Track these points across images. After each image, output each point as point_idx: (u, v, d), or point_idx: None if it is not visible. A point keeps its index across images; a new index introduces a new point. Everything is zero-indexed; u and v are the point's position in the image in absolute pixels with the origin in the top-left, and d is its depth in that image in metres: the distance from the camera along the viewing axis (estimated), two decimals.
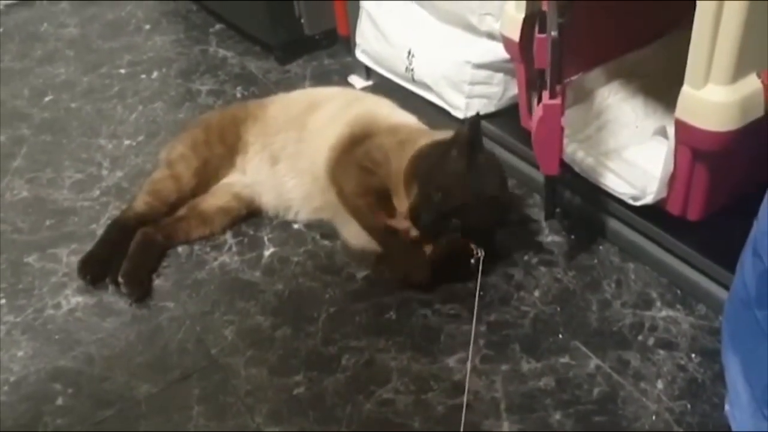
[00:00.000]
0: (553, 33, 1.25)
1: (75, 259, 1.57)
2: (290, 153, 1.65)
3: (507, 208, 1.47)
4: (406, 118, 1.69)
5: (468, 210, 1.39)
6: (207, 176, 1.68)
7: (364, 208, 1.50)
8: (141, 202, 1.63)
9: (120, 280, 1.50)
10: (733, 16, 1.13)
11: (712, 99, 1.20)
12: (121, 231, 1.59)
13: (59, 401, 1.32)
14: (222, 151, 1.70)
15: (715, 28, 1.15)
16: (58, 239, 1.67)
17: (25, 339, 1.44)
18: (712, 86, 1.19)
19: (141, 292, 1.51)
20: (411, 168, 1.45)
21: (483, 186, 1.39)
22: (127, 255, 1.53)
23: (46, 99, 2.21)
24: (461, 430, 1.20)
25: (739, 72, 1.18)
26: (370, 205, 1.50)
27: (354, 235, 1.55)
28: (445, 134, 1.49)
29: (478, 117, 1.45)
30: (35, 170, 1.90)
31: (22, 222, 1.73)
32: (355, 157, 1.53)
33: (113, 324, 1.46)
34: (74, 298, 1.52)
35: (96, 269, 1.54)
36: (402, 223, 1.47)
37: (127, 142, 1.98)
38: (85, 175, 1.87)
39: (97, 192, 1.81)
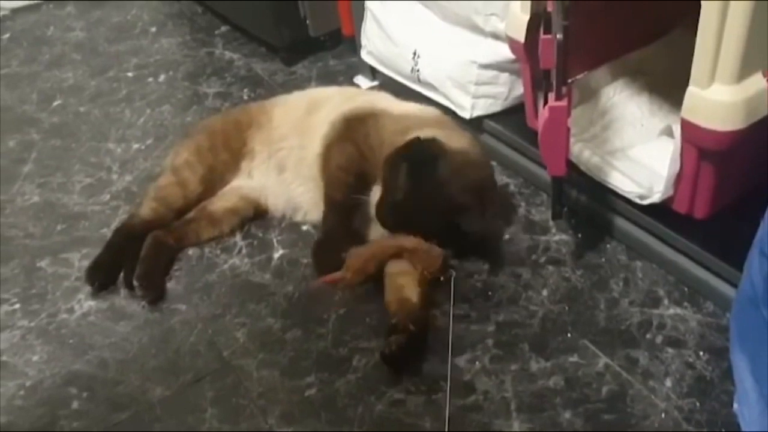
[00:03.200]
0: (558, 36, 1.26)
1: (87, 264, 1.59)
2: (295, 161, 1.67)
3: (471, 217, 1.45)
4: (408, 108, 1.70)
5: (421, 219, 1.42)
6: (213, 182, 1.70)
7: (341, 182, 1.54)
8: (147, 209, 1.64)
9: (135, 283, 1.51)
10: (739, 16, 1.13)
11: (717, 99, 1.20)
12: (127, 237, 1.60)
13: (75, 405, 1.34)
14: (227, 157, 1.71)
15: (721, 28, 1.16)
16: (69, 244, 1.69)
17: (40, 343, 1.46)
18: (718, 86, 1.20)
19: (156, 294, 1.52)
20: (383, 167, 1.48)
21: (432, 200, 1.42)
22: (140, 258, 1.54)
23: (55, 103, 2.22)
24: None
25: (744, 71, 1.19)
26: (348, 183, 1.53)
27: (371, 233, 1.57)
28: (445, 128, 1.53)
29: (417, 139, 1.46)
30: (45, 175, 1.92)
31: (33, 227, 1.75)
32: (354, 137, 1.56)
33: (126, 328, 1.48)
34: (87, 303, 1.54)
35: (103, 276, 1.56)
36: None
37: (135, 146, 2.00)
38: (95, 179, 1.89)
39: (108, 196, 1.82)
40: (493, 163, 1.77)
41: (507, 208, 1.67)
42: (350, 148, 1.56)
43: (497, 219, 1.59)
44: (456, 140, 1.53)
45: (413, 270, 1.45)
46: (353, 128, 1.59)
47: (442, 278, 1.45)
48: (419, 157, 1.44)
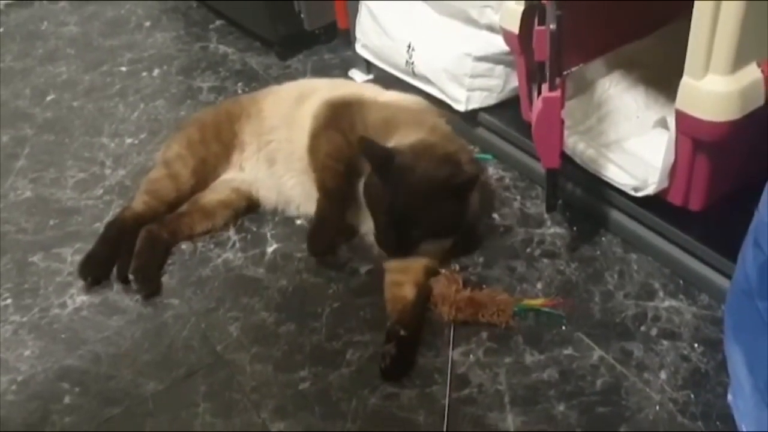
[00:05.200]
0: (552, 26, 1.25)
1: (79, 258, 1.58)
2: (284, 154, 1.67)
3: (452, 189, 1.42)
4: (391, 96, 1.70)
5: (412, 214, 1.40)
6: (205, 174, 1.69)
7: (332, 170, 1.53)
8: (140, 202, 1.64)
9: (131, 277, 1.51)
10: (732, 6, 1.13)
11: (712, 89, 1.20)
12: (119, 231, 1.59)
13: (67, 400, 1.33)
14: (218, 149, 1.70)
15: (715, 19, 1.15)
16: (62, 239, 1.68)
17: (32, 338, 1.45)
18: (712, 76, 1.20)
19: (151, 287, 1.52)
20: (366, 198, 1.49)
21: (409, 187, 1.40)
22: (135, 253, 1.54)
23: (48, 98, 2.21)
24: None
25: (738, 62, 1.18)
26: (338, 170, 1.53)
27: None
28: (424, 115, 1.57)
29: (366, 140, 1.44)
30: (38, 170, 1.91)
31: (26, 222, 1.74)
32: (340, 125, 1.56)
33: (118, 322, 1.47)
34: (79, 297, 1.53)
35: (96, 270, 1.55)
36: None
37: (129, 141, 1.99)
38: (88, 174, 1.88)
39: (101, 191, 1.81)
40: (489, 157, 1.77)
41: (501, 201, 1.67)
42: (337, 136, 1.56)
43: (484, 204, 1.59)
44: (418, 131, 1.53)
45: (412, 265, 1.44)
46: (339, 116, 1.59)
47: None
48: (377, 154, 1.43)
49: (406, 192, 1.40)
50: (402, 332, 1.33)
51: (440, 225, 1.44)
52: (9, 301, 1.54)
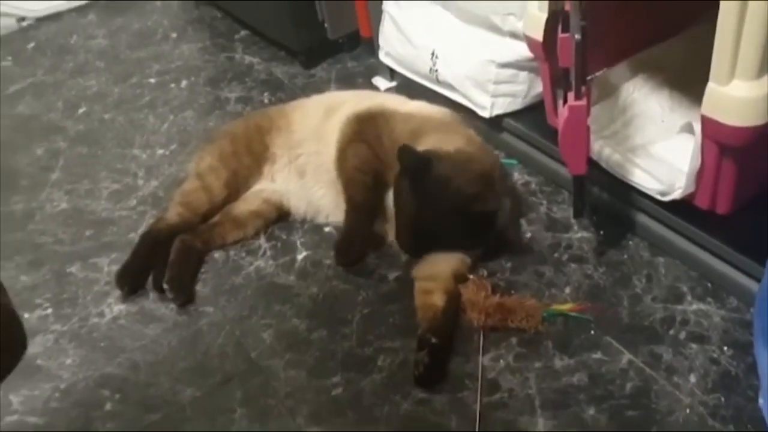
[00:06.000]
0: (576, 36, 1.27)
1: (116, 268, 1.62)
2: (314, 167, 1.70)
3: (485, 201, 1.45)
4: (416, 107, 1.72)
5: (440, 227, 1.43)
6: (237, 186, 1.72)
7: (359, 183, 1.56)
8: (173, 213, 1.67)
9: (165, 286, 1.55)
10: (758, 11, 1.13)
11: (737, 95, 1.21)
12: (154, 242, 1.63)
13: (108, 407, 1.37)
14: (249, 161, 1.74)
15: (740, 24, 1.16)
16: (98, 249, 1.72)
17: (72, 347, 1.49)
18: (738, 82, 1.20)
19: (186, 296, 1.55)
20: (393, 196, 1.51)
21: (442, 198, 1.42)
22: (169, 262, 1.58)
23: (80, 111, 2.26)
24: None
25: (764, 67, 1.19)
26: (366, 183, 1.56)
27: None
28: (449, 125, 1.59)
29: (405, 146, 1.45)
30: (73, 182, 1.96)
31: (63, 233, 1.79)
32: (366, 138, 1.58)
33: (155, 330, 1.51)
34: (117, 306, 1.57)
35: (132, 280, 1.59)
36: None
37: (160, 152, 2.03)
38: (122, 185, 1.92)
39: (134, 201, 1.86)
40: (514, 162, 1.79)
41: (528, 206, 1.68)
42: (364, 148, 1.58)
43: (514, 211, 1.60)
44: (456, 139, 1.55)
45: (441, 272, 1.46)
46: (364, 129, 1.62)
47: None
48: (414, 161, 1.44)
49: (432, 202, 1.42)
50: (433, 340, 1.34)
51: (458, 240, 1.47)
52: (49, 310, 1.58)
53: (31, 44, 2.67)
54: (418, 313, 1.43)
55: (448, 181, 1.43)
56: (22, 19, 2.79)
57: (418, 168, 1.44)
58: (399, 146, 1.46)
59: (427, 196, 1.43)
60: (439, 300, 1.41)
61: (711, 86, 1.24)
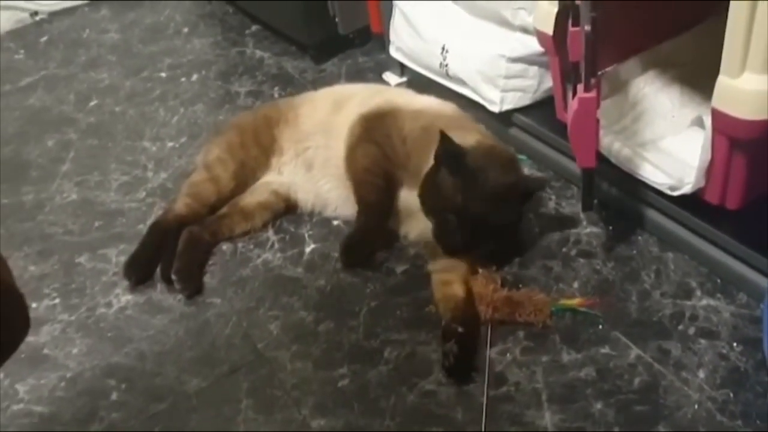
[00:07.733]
0: (587, 27, 1.26)
1: (124, 259, 1.63)
2: (321, 160, 1.70)
3: (520, 193, 1.46)
4: (430, 102, 1.71)
5: (484, 216, 1.41)
6: (245, 178, 1.73)
7: (370, 184, 1.56)
8: (182, 204, 1.68)
9: (173, 277, 1.55)
10: None
11: (748, 88, 1.20)
12: (162, 233, 1.64)
13: (114, 396, 1.37)
14: (257, 153, 1.74)
15: (751, 17, 1.15)
16: (107, 240, 1.73)
17: (80, 337, 1.50)
18: (749, 75, 1.19)
19: (194, 287, 1.56)
20: (420, 199, 1.48)
21: (484, 188, 1.40)
22: (177, 253, 1.58)
23: (91, 104, 2.27)
24: None
25: None
26: (377, 184, 1.55)
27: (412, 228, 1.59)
28: (460, 122, 1.58)
29: (444, 135, 1.43)
30: (83, 173, 1.97)
31: (72, 224, 1.80)
32: (375, 138, 1.58)
33: (162, 321, 1.51)
34: (124, 297, 1.58)
35: (140, 271, 1.60)
36: None
37: (170, 144, 2.04)
38: (131, 177, 1.93)
39: (143, 193, 1.86)
40: (523, 157, 1.78)
41: (537, 201, 1.67)
42: (373, 148, 1.58)
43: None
44: (472, 134, 1.55)
45: (458, 264, 1.45)
46: (373, 128, 1.61)
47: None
48: (453, 150, 1.43)
49: (479, 193, 1.41)
50: (460, 329, 1.33)
51: (505, 228, 1.46)
52: (57, 300, 1.59)
53: (44, 38, 2.69)
54: (439, 306, 1.42)
55: (484, 171, 1.42)
56: (36, 13, 2.82)
57: (456, 158, 1.42)
58: (440, 134, 1.42)
59: (470, 188, 1.41)
60: (459, 290, 1.41)
61: (722, 79, 1.23)
